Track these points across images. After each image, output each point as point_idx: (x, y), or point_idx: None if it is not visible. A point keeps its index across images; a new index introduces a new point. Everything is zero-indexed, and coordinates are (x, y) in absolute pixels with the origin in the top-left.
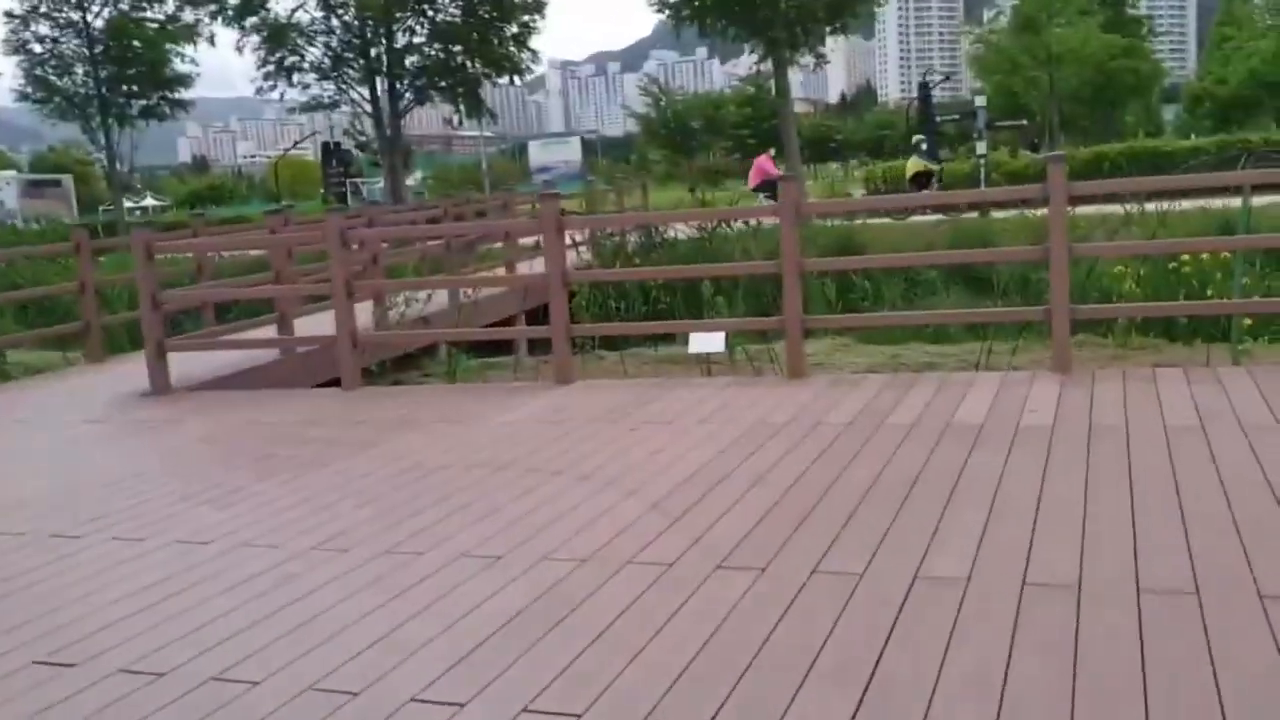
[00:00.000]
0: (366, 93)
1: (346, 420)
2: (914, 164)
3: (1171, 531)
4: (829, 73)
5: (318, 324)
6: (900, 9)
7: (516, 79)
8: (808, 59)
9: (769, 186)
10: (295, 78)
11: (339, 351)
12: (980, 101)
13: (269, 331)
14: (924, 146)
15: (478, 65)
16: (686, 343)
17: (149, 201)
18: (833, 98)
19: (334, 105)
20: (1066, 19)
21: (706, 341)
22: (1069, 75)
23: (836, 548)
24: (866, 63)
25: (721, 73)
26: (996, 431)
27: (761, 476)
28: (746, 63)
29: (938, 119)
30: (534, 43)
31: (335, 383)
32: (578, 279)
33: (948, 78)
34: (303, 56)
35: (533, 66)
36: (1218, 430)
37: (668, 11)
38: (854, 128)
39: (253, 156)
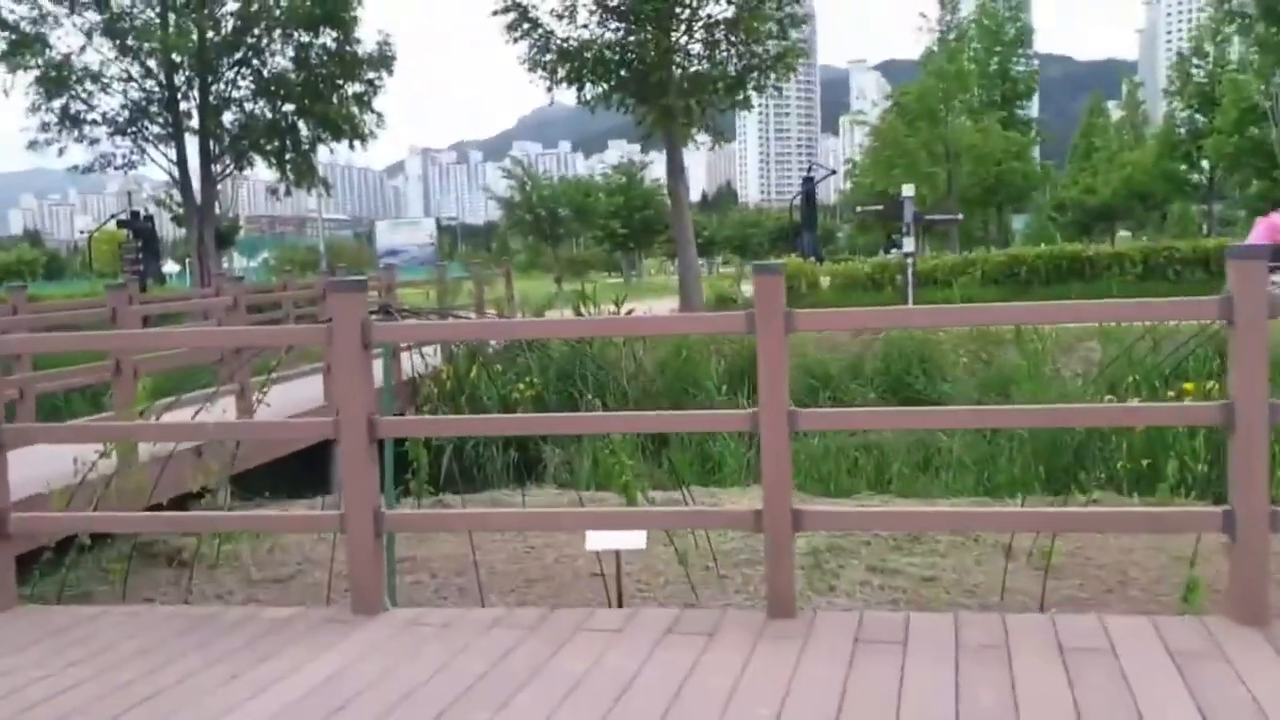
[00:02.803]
0: (173, 153)
1: None
2: None
3: None
4: (690, 172)
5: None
6: (760, 114)
7: (359, 144)
8: (703, 137)
9: None
10: (84, 131)
11: None
12: (908, 192)
13: None
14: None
15: (311, 126)
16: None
17: None
18: (694, 197)
19: (129, 166)
20: (960, 115)
21: (615, 540)
22: (965, 173)
23: None
24: (727, 165)
25: (584, 166)
26: None
27: None
28: (611, 157)
29: (858, 210)
30: (380, 104)
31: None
32: (395, 431)
33: (834, 173)
34: (90, 105)
35: (376, 132)
36: None
37: (540, 72)
38: (718, 225)
39: (85, 232)
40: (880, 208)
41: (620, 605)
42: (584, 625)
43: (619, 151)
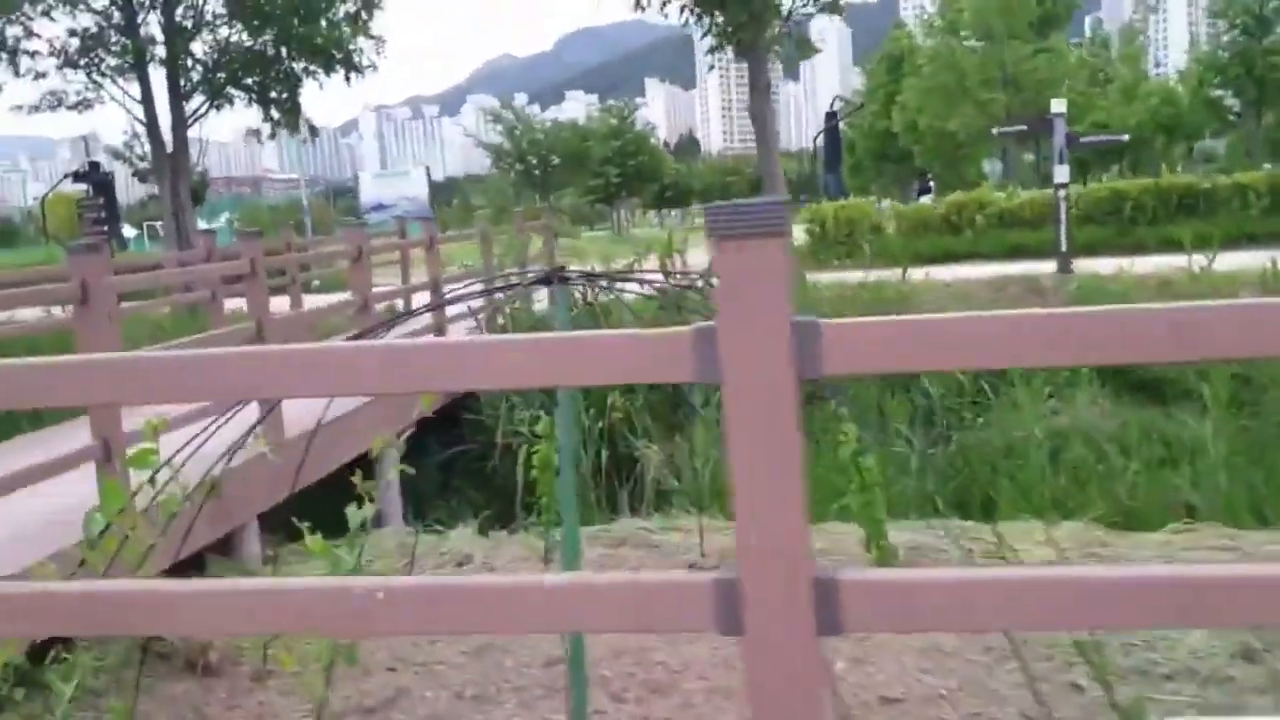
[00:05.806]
0: (136, 90)
1: None
2: None
3: None
4: (649, 120)
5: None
6: (720, 57)
7: (353, 76)
8: (786, 46)
9: None
10: (26, 64)
11: None
12: (1059, 108)
13: None
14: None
15: (295, 57)
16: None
17: None
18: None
19: (84, 106)
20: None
21: None
22: (1018, 102)
23: None
24: (687, 113)
25: (542, 119)
26: None
27: None
28: (569, 109)
29: (996, 132)
30: (377, 27)
31: None
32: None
33: (861, 106)
34: (30, 31)
35: (375, 62)
36: None
37: None
38: (688, 174)
39: (38, 198)
40: (1024, 128)
41: None
42: None
43: (577, 103)
